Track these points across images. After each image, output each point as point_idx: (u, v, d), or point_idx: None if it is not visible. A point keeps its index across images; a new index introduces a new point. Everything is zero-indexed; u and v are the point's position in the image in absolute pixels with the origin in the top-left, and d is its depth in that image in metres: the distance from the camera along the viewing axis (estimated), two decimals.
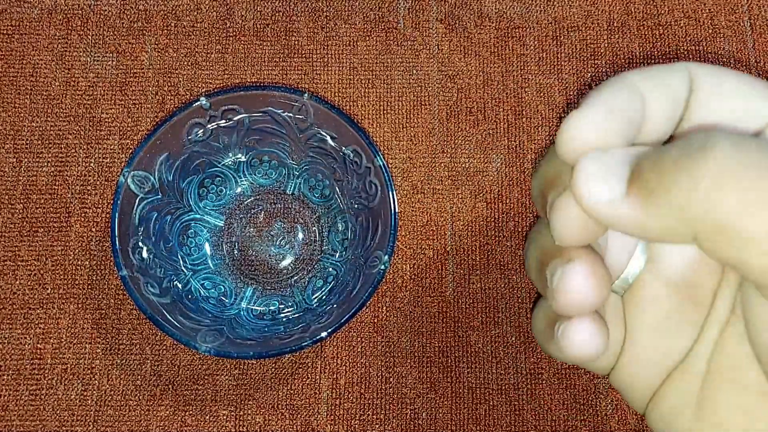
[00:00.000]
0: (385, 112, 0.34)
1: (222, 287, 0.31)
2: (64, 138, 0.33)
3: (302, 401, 0.31)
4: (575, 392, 0.31)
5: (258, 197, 0.32)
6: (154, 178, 0.30)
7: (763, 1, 0.35)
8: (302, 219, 0.32)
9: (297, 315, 0.30)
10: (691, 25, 0.35)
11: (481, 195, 0.33)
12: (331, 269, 0.31)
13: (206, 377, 0.31)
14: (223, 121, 0.30)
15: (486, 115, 0.34)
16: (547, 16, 0.35)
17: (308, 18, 0.35)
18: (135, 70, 0.34)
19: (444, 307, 0.32)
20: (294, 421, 0.30)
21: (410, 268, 0.32)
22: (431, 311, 0.32)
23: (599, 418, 0.31)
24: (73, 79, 0.34)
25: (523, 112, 0.34)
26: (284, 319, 0.30)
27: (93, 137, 0.33)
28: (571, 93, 0.34)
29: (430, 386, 0.31)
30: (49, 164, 0.33)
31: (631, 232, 0.19)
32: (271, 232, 0.32)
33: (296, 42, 0.35)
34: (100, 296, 0.32)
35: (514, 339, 0.31)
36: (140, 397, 0.31)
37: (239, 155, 0.32)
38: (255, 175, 0.32)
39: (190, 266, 0.31)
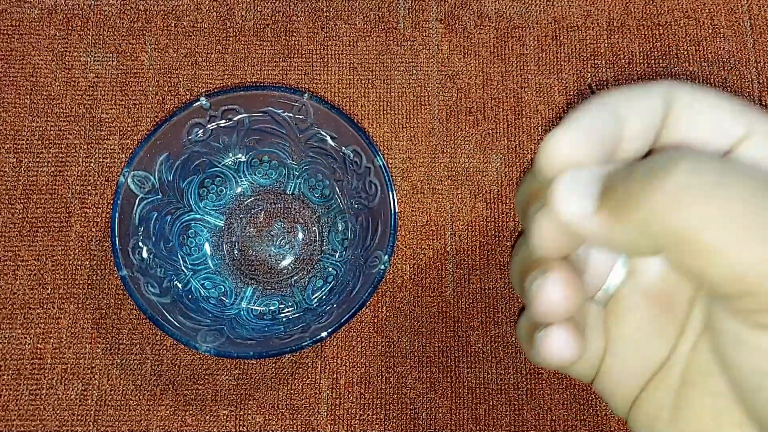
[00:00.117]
0: (385, 112, 0.34)
1: (222, 287, 0.31)
2: (64, 138, 0.33)
3: (302, 401, 0.31)
4: (575, 392, 0.31)
5: (258, 197, 0.32)
6: (154, 178, 0.30)
7: (763, 1, 0.35)
8: (302, 219, 0.32)
9: (297, 315, 0.30)
10: (691, 25, 0.35)
11: (481, 195, 0.33)
12: (331, 269, 0.31)
13: (206, 377, 0.31)
14: (223, 121, 0.30)
15: (486, 115, 0.34)
16: (547, 16, 0.35)
17: (308, 18, 0.35)
18: (135, 70, 0.34)
19: (444, 307, 0.32)
20: (294, 421, 0.30)
21: (410, 268, 0.32)
22: (431, 311, 0.32)
23: (599, 418, 0.31)
24: (73, 79, 0.34)
25: (523, 112, 0.34)
26: (284, 319, 0.30)
27: (93, 137, 0.33)
28: (571, 93, 0.34)
29: (430, 386, 0.31)
30: (49, 164, 0.33)
31: (603, 245, 0.20)
32: (271, 232, 0.32)
33: (296, 42, 0.35)
34: (100, 296, 0.32)
35: (514, 339, 0.31)
36: (140, 397, 0.31)
37: (239, 155, 0.32)
38: (255, 175, 0.32)
39: (190, 266, 0.31)
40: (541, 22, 0.35)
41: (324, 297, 0.31)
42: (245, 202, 0.32)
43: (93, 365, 0.31)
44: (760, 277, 0.18)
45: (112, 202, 0.32)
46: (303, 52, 0.34)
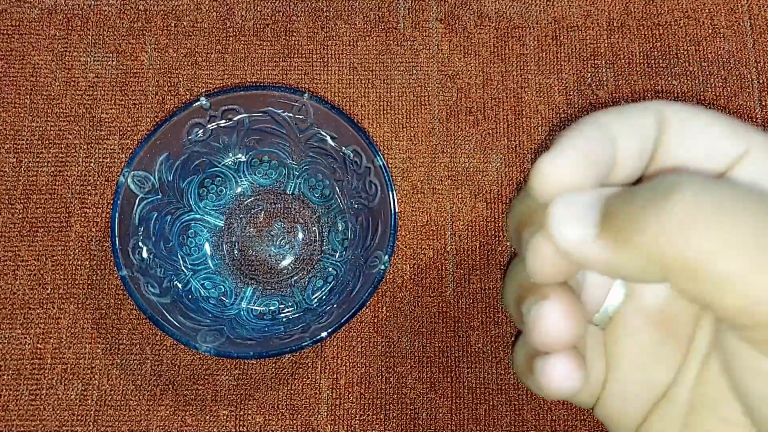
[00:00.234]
0: (385, 112, 0.34)
1: (222, 287, 0.31)
2: (64, 138, 0.33)
3: (302, 401, 0.31)
4: None
5: (258, 197, 0.32)
6: (154, 178, 0.30)
7: (763, 1, 0.35)
8: (302, 219, 0.32)
9: (297, 315, 0.30)
10: (691, 25, 0.35)
11: (481, 195, 0.33)
12: (331, 269, 0.31)
13: (206, 377, 0.31)
14: (223, 121, 0.30)
15: (486, 115, 0.34)
16: (547, 16, 0.35)
17: (308, 18, 0.35)
18: (135, 70, 0.34)
19: (444, 307, 0.32)
20: (294, 421, 0.30)
21: (410, 268, 0.32)
22: (431, 311, 0.32)
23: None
24: (73, 79, 0.34)
25: (523, 112, 0.34)
26: (284, 319, 0.30)
27: (93, 137, 0.33)
28: (571, 93, 0.34)
29: (430, 386, 0.31)
30: (49, 164, 0.33)
31: (602, 272, 0.19)
32: (271, 232, 0.32)
33: (296, 42, 0.35)
34: (100, 296, 0.32)
35: (514, 339, 0.31)
36: (140, 397, 0.31)
37: (239, 155, 0.32)
38: (255, 175, 0.32)
39: (190, 266, 0.31)
40: (541, 22, 0.35)
41: (324, 297, 0.31)
42: (245, 202, 0.32)
43: (93, 365, 0.31)
44: None
45: (112, 202, 0.32)
46: (303, 52, 0.34)
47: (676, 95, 0.34)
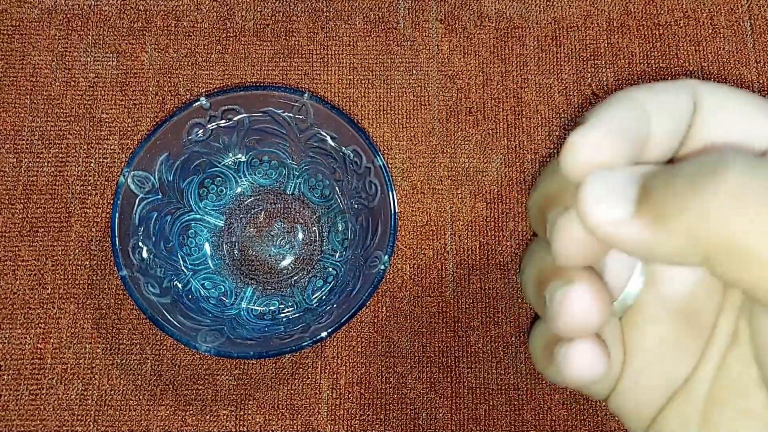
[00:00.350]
0: (385, 112, 0.34)
1: (222, 287, 0.31)
2: (64, 138, 0.33)
3: (302, 401, 0.31)
4: (575, 392, 0.31)
5: (258, 197, 0.32)
6: (154, 178, 0.30)
7: (763, 1, 0.35)
8: (302, 219, 0.32)
9: (297, 315, 0.30)
10: (691, 25, 0.35)
11: (481, 195, 0.33)
12: (331, 269, 0.31)
13: (206, 377, 0.31)
14: (223, 121, 0.30)
15: (486, 115, 0.34)
16: (547, 16, 0.35)
17: (308, 18, 0.35)
18: (135, 70, 0.34)
19: (444, 307, 0.32)
20: (294, 421, 0.30)
21: (410, 268, 0.32)
22: (431, 311, 0.32)
23: (599, 418, 0.31)
24: (73, 79, 0.34)
25: (523, 112, 0.34)
26: (284, 319, 0.30)
27: (93, 137, 0.33)
28: (571, 93, 0.34)
29: (430, 386, 0.31)
30: (49, 164, 0.33)
31: (638, 254, 0.18)
32: (271, 232, 0.32)
33: (296, 42, 0.35)
34: (100, 296, 0.32)
35: (514, 339, 0.31)
36: (140, 397, 0.31)
37: (239, 155, 0.32)
38: (255, 175, 0.32)
39: (190, 266, 0.31)
40: (541, 22, 0.35)
41: (324, 297, 0.31)
42: (245, 202, 0.32)
43: (93, 365, 0.31)
44: None
45: (112, 202, 0.32)
46: (303, 52, 0.34)
47: None
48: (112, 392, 0.31)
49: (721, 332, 0.22)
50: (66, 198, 0.33)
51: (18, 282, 0.32)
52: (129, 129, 0.33)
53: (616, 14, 0.35)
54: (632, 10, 0.35)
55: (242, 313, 0.31)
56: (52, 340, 0.31)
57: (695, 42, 0.35)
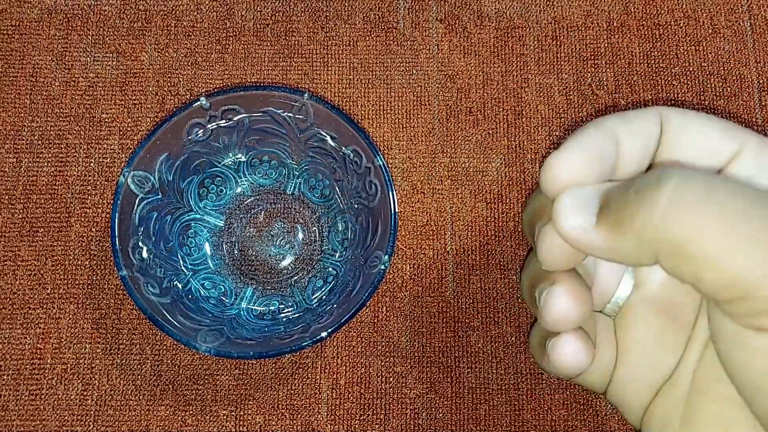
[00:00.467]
0: (385, 112, 0.34)
1: (222, 287, 0.31)
2: (64, 138, 0.33)
3: (302, 401, 0.31)
4: (575, 392, 0.31)
5: (258, 197, 0.32)
6: (154, 178, 0.30)
7: (763, 1, 0.35)
8: (302, 219, 0.32)
9: (297, 315, 0.30)
10: (691, 25, 0.35)
11: (481, 195, 0.33)
12: (331, 269, 0.31)
13: (206, 377, 0.31)
14: (223, 121, 0.30)
15: (486, 115, 0.34)
16: (547, 16, 0.35)
17: (308, 18, 0.35)
18: (135, 70, 0.34)
19: (444, 307, 0.32)
20: (294, 421, 0.30)
21: (410, 268, 0.32)
22: (431, 311, 0.32)
23: (599, 418, 0.31)
24: (73, 79, 0.34)
25: (523, 112, 0.34)
26: (284, 319, 0.30)
27: (93, 137, 0.33)
28: (571, 93, 0.34)
29: (430, 386, 0.31)
30: (49, 164, 0.33)
31: (603, 256, 0.21)
32: (271, 232, 0.32)
33: (296, 42, 0.35)
34: (100, 296, 0.32)
35: (514, 339, 0.31)
36: (140, 397, 0.31)
37: (239, 155, 0.32)
38: (255, 175, 0.32)
39: (190, 266, 0.31)
40: (541, 22, 0.35)
41: (324, 297, 0.31)
42: (245, 202, 0.32)
43: (93, 365, 0.31)
44: (753, 281, 0.18)
45: (112, 202, 0.32)
46: (303, 52, 0.34)
47: (676, 95, 0.34)
48: (112, 392, 0.31)
49: (701, 327, 0.24)
50: (66, 198, 0.33)
51: (18, 282, 0.32)
52: (129, 129, 0.33)
53: (616, 14, 0.35)
54: (632, 10, 0.35)
55: (242, 313, 0.31)
56: (51, 340, 0.31)
57: (695, 42, 0.35)
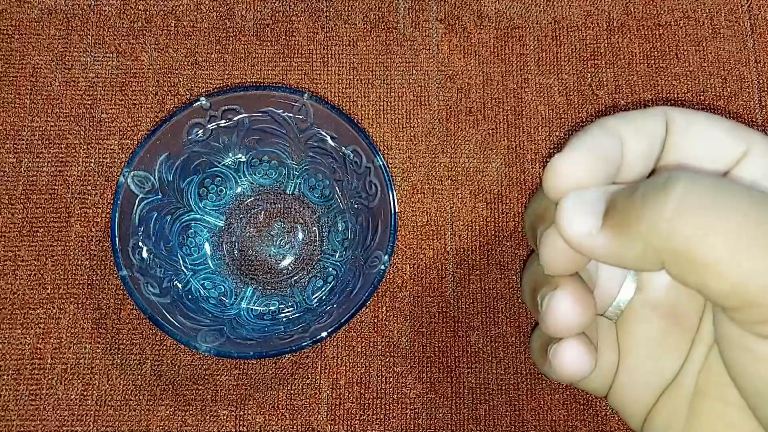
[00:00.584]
0: (385, 112, 0.34)
1: (222, 287, 0.31)
2: (64, 138, 0.33)
3: (302, 401, 0.31)
4: (575, 392, 0.31)
5: (258, 197, 0.32)
6: (154, 178, 0.30)
7: (763, 1, 0.35)
8: (302, 219, 0.32)
9: (297, 315, 0.30)
10: (691, 25, 0.35)
11: (481, 195, 0.33)
12: (331, 269, 0.31)
13: (206, 377, 0.31)
14: (223, 121, 0.30)
15: (486, 115, 0.34)
16: (547, 16, 0.35)
17: (308, 18, 0.35)
18: (135, 70, 0.34)
19: (444, 307, 0.32)
20: (294, 421, 0.30)
21: (410, 268, 0.32)
22: (431, 311, 0.32)
23: (599, 418, 0.31)
24: (73, 79, 0.34)
25: (523, 113, 0.34)
26: (284, 319, 0.30)
27: (93, 137, 0.33)
28: (571, 93, 0.34)
29: (430, 386, 0.31)
30: (49, 164, 0.33)
31: (608, 261, 0.21)
32: (271, 232, 0.32)
33: (296, 42, 0.35)
34: (100, 296, 0.32)
35: (514, 339, 0.31)
36: (140, 397, 0.31)
37: (239, 155, 0.32)
38: (255, 175, 0.32)
39: (190, 266, 0.31)
40: (541, 22, 0.35)
41: (324, 297, 0.31)
42: (245, 202, 0.32)
43: (93, 365, 0.31)
44: (759, 288, 0.18)
45: (112, 202, 0.32)
46: (303, 52, 0.34)
47: (676, 95, 0.34)
48: (112, 392, 0.31)
49: (704, 330, 0.24)
50: (66, 198, 0.33)
51: (18, 282, 0.32)
52: (129, 129, 0.33)
53: (616, 14, 0.35)
54: (632, 10, 0.35)
55: (242, 313, 0.31)
56: (51, 340, 0.31)
57: (695, 42, 0.35)
